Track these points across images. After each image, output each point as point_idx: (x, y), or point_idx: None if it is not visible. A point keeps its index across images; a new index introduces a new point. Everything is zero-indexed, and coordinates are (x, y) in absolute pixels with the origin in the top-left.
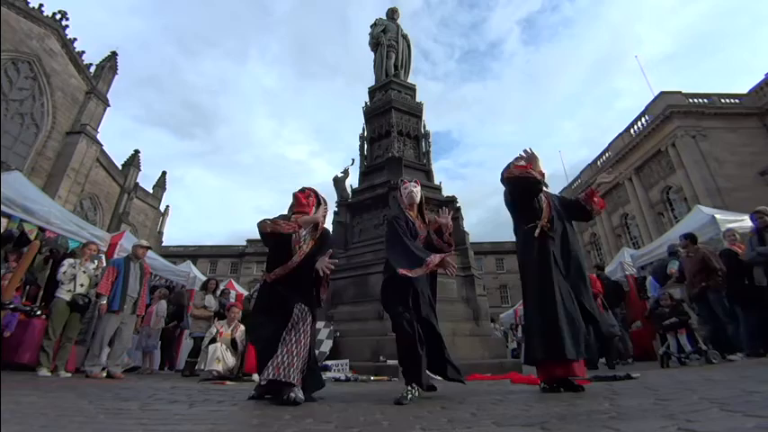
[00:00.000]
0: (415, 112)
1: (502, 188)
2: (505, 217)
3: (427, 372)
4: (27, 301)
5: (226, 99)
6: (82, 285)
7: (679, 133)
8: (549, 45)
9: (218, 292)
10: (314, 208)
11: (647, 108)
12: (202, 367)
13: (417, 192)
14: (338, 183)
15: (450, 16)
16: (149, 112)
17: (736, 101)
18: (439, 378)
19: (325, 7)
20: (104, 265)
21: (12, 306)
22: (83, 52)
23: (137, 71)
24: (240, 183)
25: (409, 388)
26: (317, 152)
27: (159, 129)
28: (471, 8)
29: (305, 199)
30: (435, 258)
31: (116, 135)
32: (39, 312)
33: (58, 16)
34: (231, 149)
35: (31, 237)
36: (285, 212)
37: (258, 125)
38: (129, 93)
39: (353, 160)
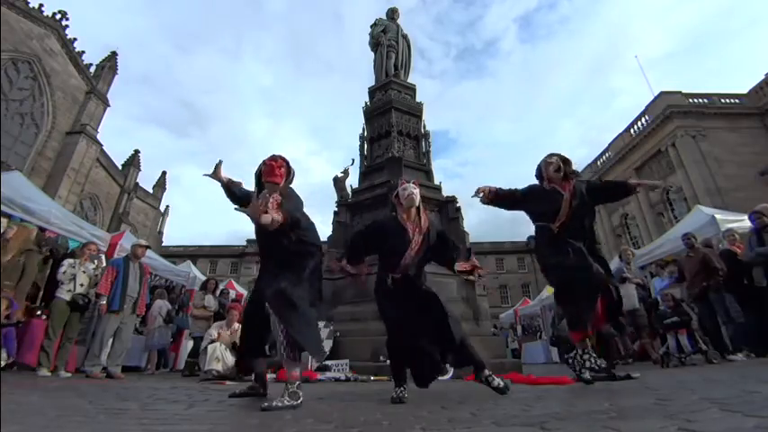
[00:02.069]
0: (415, 112)
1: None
2: (505, 217)
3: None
4: (26, 300)
5: (221, 97)
6: (82, 285)
7: (679, 133)
8: (547, 43)
9: (218, 292)
10: (284, 179)
11: (646, 108)
12: (200, 367)
13: (417, 194)
14: (338, 183)
15: (446, 14)
16: (146, 111)
17: (737, 101)
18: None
19: (317, 4)
20: (104, 264)
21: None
22: (83, 52)
23: (132, 70)
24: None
25: None
26: (314, 150)
27: (156, 127)
28: (467, 6)
29: (278, 169)
30: None
31: (113, 134)
32: (39, 312)
33: (58, 16)
34: (228, 148)
35: (32, 237)
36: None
37: (255, 124)
38: (125, 91)
39: (353, 160)
